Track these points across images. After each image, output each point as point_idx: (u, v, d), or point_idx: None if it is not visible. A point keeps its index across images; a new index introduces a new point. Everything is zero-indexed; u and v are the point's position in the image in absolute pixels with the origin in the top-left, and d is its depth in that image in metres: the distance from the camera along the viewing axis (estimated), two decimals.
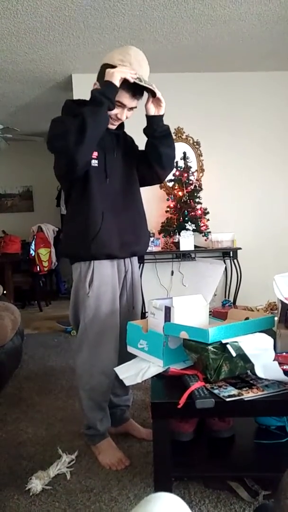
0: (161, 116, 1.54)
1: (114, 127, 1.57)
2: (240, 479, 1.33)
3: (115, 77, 1.39)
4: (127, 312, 1.65)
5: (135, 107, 1.55)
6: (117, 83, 1.39)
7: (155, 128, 1.54)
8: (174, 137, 3.88)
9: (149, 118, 1.55)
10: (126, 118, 1.56)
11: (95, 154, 1.50)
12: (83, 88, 3.72)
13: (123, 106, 1.50)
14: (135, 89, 1.47)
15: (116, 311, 1.57)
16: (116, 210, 1.54)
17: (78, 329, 1.60)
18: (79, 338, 1.58)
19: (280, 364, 1.11)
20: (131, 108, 1.54)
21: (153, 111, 1.53)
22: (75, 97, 3.76)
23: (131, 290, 1.67)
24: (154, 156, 1.59)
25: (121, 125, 1.63)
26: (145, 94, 1.53)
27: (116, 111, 1.49)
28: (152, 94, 1.49)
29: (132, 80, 1.40)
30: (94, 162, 1.50)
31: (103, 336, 1.54)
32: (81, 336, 1.57)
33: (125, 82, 1.42)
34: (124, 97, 1.47)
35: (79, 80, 3.77)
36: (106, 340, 1.54)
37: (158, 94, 1.48)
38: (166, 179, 3.80)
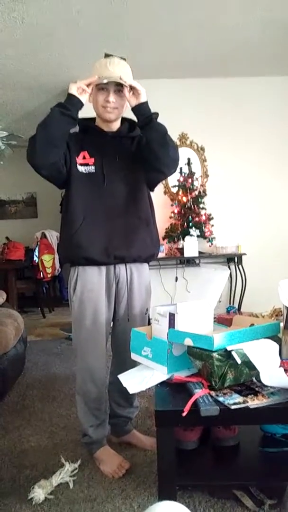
0: (143, 104, 1.50)
1: (113, 116, 1.54)
2: (245, 487, 1.30)
3: (71, 88, 1.46)
4: (124, 321, 1.60)
5: (121, 91, 1.49)
6: (74, 92, 1.45)
7: (139, 117, 1.52)
8: (178, 143, 3.92)
9: (133, 110, 1.52)
10: (115, 106, 1.51)
11: (91, 160, 1.54)
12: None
13: (105, 85, 1.47)
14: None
15: (100, 320, 1.54)
16: (109, 214, 1.53)
17: None
18: (73, 344, 1.62)
19: (286, 371, 1.09)
20: (119, 91, 1.49)
21: (134, 102, 1.51)
22: None
23: (125, 299, 1.60)
24: (145, 147, 1.54)
25: (133, 127, 1.63)
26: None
27: (101, 97, 1.50)
28: (130, 88, 1.48)
29: (91, 83, 1.46)
30: (89, 169, 1.53)
31: (88, 344, 1.54)
32: (74, 341, 1.60)
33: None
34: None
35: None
36: (91, 348, 1.55)
37: (130, 83, 1.46)
38: (171, 185, 3.83)
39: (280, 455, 1.23)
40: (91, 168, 1.54)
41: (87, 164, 1.55)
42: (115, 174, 1.56)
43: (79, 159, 1.55)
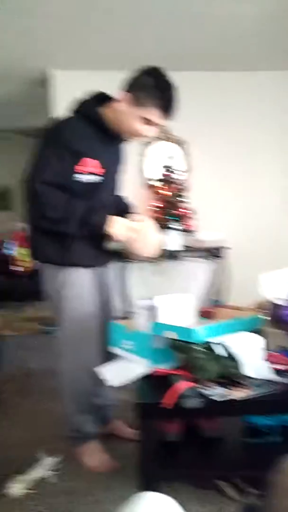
0: None
1: (132, 141, 1.55)
2: (229, 478, 1.32)
3: (116, 234, 1.42)
4: (105, 313, 1.63)
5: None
6: (117, 237, 1.44)
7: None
8: (161, 136, 3.90)
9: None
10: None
11: (102, 171, 1.47)
12: (63, 85, 3.67)
13: (151, 123, 1.43)
14: (170, 107, 1.43)
15: (94, 314, 1.54)
16: None
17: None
18: (61, 340, 1.56)
19: (270, 363, 1.10)
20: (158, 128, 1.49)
21: None
22: (52, 94, 3.70)
23: (107, 293, 1.66)
24: None
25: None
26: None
27: (141, 128, 1.43)
28: None
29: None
30: (96, 179, 1.47)
31: (84, 338, 1.52)
32: (63, 339, 1.55)
33: (158, 101, 1.39)
34: (154, 115, 1.41)
35: (58, 77, 3.69)
36: (87, 342, 1.52)
37: None
38: (154, 178, 3.81)
39: (263, 446, 1.25)
40: (99, 179, 1.48)
41: (95, 174, 1.46)
42: (112, 184, 1.59)
43: (88, 167, 1.43)
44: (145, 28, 3.09)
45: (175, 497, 1.29)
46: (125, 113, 1.43)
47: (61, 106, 3.61)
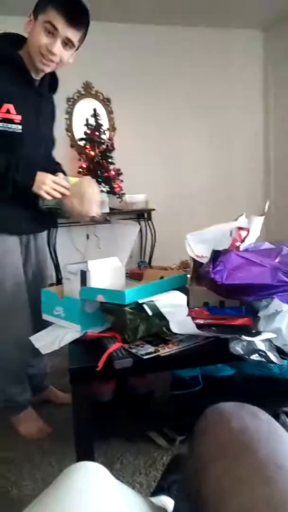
0: None
1: (47, 68, 1.33)
2: (159, 429, 1.40)
3: (40, 193, 1.34)
4: (35, 281, 1.59)
5: (73, 45, 1.30)
6: (39, 193, 1.34)
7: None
8: (83, 92, 3.72)
9: None
10: (60, 57, 1.30)
11: (18, 118, 1.31)
12: None
13: (55, 30, 1.24)
14: (72, 10, 1.23)
15: (21, 282, 1.49)
16: None
17: None
18: None
19: (193, 318, 1.15)
20: (68, 43, 1.29)
21: None
22: None
23: (35, 257, 1.59)
24: None
25: (55, 85, 1.48)
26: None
27: (45, 40, 1.25)
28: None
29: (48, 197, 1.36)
30: (13, 127, 1.32)
31: (11, 309, 1.47)
32: None
33: (51, 2, 1.21)
34: (54, 18, 1.22)
35: None
36: (15, 312, 1.47)
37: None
38: (77, 138, 3.66)
39: (188, 396, 1.33)
40: (16, 127, 1.32)
41: (11, 121, 1.31)
42: (37, 139, 1.43)
43: (1, 113, 1.28)
44: None
45: (109, 453, 1.36)
46: (30, 32, 1.29)
47: None
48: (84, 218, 1.45)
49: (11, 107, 1.30)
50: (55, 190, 1.35)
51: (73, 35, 1.29)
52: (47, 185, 1.33)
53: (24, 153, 1.38)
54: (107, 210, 3.28)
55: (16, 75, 1.32)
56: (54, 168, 1.58)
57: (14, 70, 1.31)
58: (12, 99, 1.30)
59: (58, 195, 1.36)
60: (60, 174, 1.48)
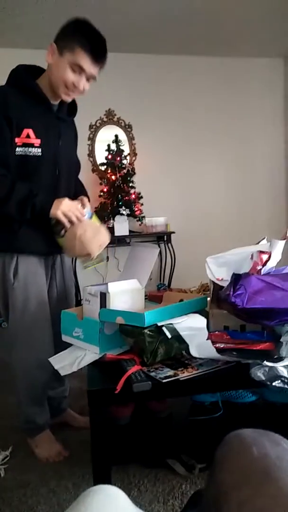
0: None
1: (69, 99, 1.42)
2: (177, 455, 1.37)
3: (57, 213, 1.35)
4: (60, 302, 1.60)
5: (95, 79, 1.40)
6: (57, 216, 1.35)
7: None
8: (105, 119, 3.84)
9: None
10: (83, 90, 1.40)
11: (37, 141, 1.37)
12: (5, 65, 3.48)
13: (81, 70, 1.34)
14: (98, 52, 1.34)
15: (45, 303, 1.51)
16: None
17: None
18: (10, 332, 1.50)
19: (213, 342, 1.14)
20: (90, 78, 1.38)
21: None
22: None
23: (61, 279, 1.62)
24: None
25: (74, 109, 1.53)
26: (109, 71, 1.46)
27: (72, 77, 1.34)
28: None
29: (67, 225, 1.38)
30: (34, 151, 1.37)
31: (34, 329, 1.48)
32: (13, 330, 1.49)
33: (84, 41, 1.31)
34: (82, 59, 1.32)
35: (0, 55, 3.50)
36: (39, 332, 1.48)
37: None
38: (99, 163, 3.76)
39: (208, 422, 1.31)
40: (37, 151, 1.37)
41: (31, 145, 1.36)
42: (58, 161, 1.46)
43: (21, 138, 1.34)
44: (78, 6, 2.99)
45: (127, 478, 1.33)
46: (54, 65, 1.35)
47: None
48: (83, 252, 1.40)
49: (30, 131, 1.35)
50: (71, 212, 1.37)
51: (96, 71, 1.39)
52: (67, 207, 1.36)
53: (45, 176, 1.42)
54: (118, 233, 3.34)
55: (35, 102, 1.38)
56: (80, 190, 1.64)
57: (33, 98, 1.38)
58: (32, 124, 1.36)
59: (74, 219, 1.37)
60: (85, 200, 1.53)
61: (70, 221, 1.37)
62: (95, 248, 1.38)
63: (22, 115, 1.34)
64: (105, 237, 1.45)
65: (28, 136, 1.35)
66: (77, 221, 1.37)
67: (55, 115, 1.45)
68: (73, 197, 1.50)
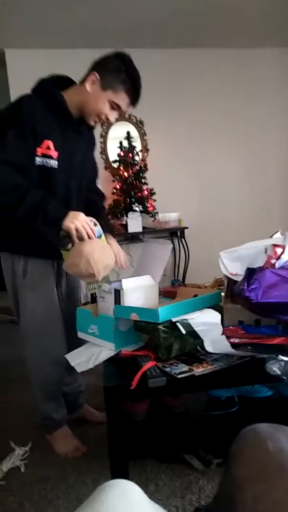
0: None
1: (93, 124, 1.48)
2: (194, 450, 1.37)
3: (70, 227, 1.29)
4: (68, 300, 1.63)
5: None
6: (69, 229, 1.29)
7: None
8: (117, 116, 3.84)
9: None
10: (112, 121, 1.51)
11: (55, 154, 1.39)
12: (18, 64, 3.52)
13: (118, 109, 1.43)
14: (138, 96, 1.43)
15: (55, 301, 1.52)
16: None
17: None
18: (22, 330, 1.53)
19: (228, 337, 1.14)
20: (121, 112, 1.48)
21: None
22: (10, 75, 3.54)
23: (68, 277, 1.63)
24: None
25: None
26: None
27: (108, 112, 1.41)
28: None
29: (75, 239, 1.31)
30: (51, 163, 1.39)
31: (46, 328, 1.50)
32: (25, 328, 1.51)
33: (129, 87, 1.39)
34: (123, 101, 1.41)
35: (13, 55, 3.53)
36: (50, 330, 1.50)
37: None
38: (111, 160, 3.77)
39: (224, 417, 1.30)
40: (54, 163, 1.40)
41: (50, 157, 1.38)
42: (71, 175, 1.49)
43: (41, 149, 1.36)
44: (88, 2, 2.99)
45: (144, 474, 1.34)
46: (93, 94, 1.39)
47: (18, 85, 3.46)
48: (89, 272, 1.30)
49: (50, 143, 1.38)
50: (84, 228, 1.31)
51: (129, 109, 1.48)
52: (80, 222, 1.30)
53: (59, 188, 1.44)
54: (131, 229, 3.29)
55: (58, 115, 1.40)
56: (94, 200, 1.67)
57: (56, 110, 1.40)
58: (53, 136, 1.38)
59: (85, 236, 1.31)
60: (99, 227, 1.48)
61: (80, 237, 1.31)
62: (101, 269, 1.31)
63: (45, 127, 1.36)
64: (112, 260, 1.39)
65: (48, 148, 1.37)
66: (87, 239, 1.31)
67: (76, 130, 1.47)
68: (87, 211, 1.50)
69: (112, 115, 1.44)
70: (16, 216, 1.30)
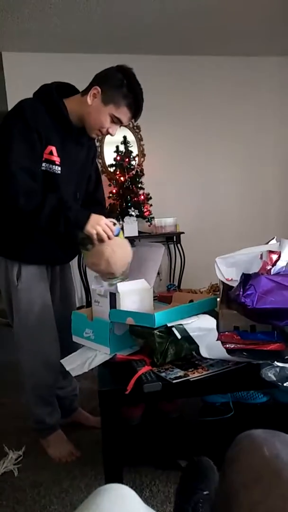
0: None
1: (95, 137, 1.51)
2: (188, 456, 1.36)
3: (92, 233, 1.32)
4: (61, 305, 1.63)
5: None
6: (89, 233, 1.32)
7: None
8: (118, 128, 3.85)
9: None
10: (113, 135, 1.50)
11: (58, 160, 1.40)
12: (15, 67, 3.53)
13: (119, 123, 1.43)
14: (139, 110, 1.43)
15: (49, 304, 1.52)
16: None
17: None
18: (16, 333, 1.52)
19: (223, 343, 1.14)
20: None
21: None
22: (7, 77, 3.55)
23: (62, 282, 1.64)
24: None
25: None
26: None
27: (109, 126, 1.42)
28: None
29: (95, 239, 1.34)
30: (54, 168, 1.40)
31: (40, 332, 1.49)
32: (19, 332, 1.51)
33: (131, 102, 1.39)
34: (124, 116, 1.41)
35: (11, 59, 3.54)
36: (44, 333, 1.50)
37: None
38: (108, 164, 3.78)
39: (219, 423, 1.30)
40: (57, 169, 1.40)
41: (53, 162, 1.39)
42: (71, 184, 1.49)
43: (45, 154, 1.37)
44: (86, 10, 3.00)
45: (138, 479, 1.33)
46: (94, 108, 1.39)
47: (15, 88, 3.47)
48: (109, 271, 1.36)
49: (53, 149, 1.38)
50: (105, 232, 1.34)
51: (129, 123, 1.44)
52: (102, 226, 1.33)
53: (62, 194, 1.43)
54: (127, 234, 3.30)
55: (58, 122, 1.40)
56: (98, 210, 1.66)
57: (57, 117, 1.39)
58: (54, 142, 1.39)
59: (107, 239, 1.34)
60: (118, 226, 1.49)
61: (100, 239, 1.34)
62: (120, 268, 1.37)
63: (48, 132, 1.37)
64: (129, 255, 1.42)
65: (51, 153, 1.38)
66: (107, 240, 1.35)
67: (75, 140, 1.47)
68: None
69: (113, 129, 1.44)
70: (38, 223, 1.31)
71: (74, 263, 1.74)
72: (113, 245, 1.36)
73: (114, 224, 1.40)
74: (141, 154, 3.95)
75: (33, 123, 1.32)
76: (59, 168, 1.40)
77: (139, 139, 3.94)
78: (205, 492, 0.91)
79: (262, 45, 3.86)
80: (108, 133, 1.45)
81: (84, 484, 1.37)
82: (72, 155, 1.47)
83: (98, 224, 1.32)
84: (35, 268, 1.49)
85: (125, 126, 3.86)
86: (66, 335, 1.40)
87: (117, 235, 1.40)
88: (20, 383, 1.58)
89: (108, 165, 3.77)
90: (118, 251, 1.36)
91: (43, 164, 1.37)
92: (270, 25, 3.46)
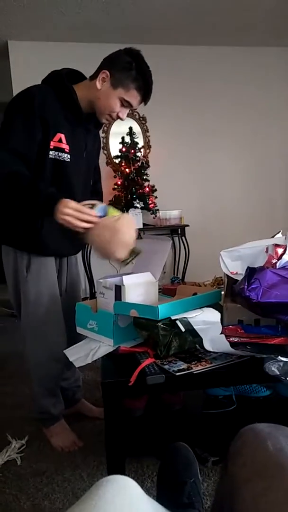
0: None
1: (106, 123, 1.49)
2: (191, 448, 1.37)
3: (60, 215, 1.21)
4: (68, 296, 1.63)
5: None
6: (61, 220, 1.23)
7: None
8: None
9: None
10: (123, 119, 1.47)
11: (67, 147, 1.38)
12: (21, 56, 3.50)
13: (129, 106, 1.41)
14: (149, 93, 1.41)
15: (57, 296, 1.53)
16: None
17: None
18: (23, 325, 1.53)
19: (227, 336, 1.13)
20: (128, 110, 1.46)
21: None
22: (13, 66, 3.52)
23: (69, 274, 1.64)
24: None
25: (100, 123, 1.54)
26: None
27: (119, 109, 1.40)
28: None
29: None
30: (64, 156, 1.38)
31: (47, 322, 1.50)
32: (26, 322, 1.51)
33: (140, 85, 1.36)
34: (134, 98, 1.39)
35: (16, 47, 3.51)
36: (52, 325, 1.50)
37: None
38: (113, 155, 3.76)
39: (221, 415, 1.31)
40: (66, 157, 1.39)
41: (62, 150, 1.38)
42: (80, 171, 1.48)
43: (54, 142, 1.36)
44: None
45: (140, 470, 1.34)
46: (104, 92, 1.38)
47: (20, 76, 3.44)
48: (109, 257, 1.28)
49: (62, 136, 1.37)
50: (78, 219, 1.23)
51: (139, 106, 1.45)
52: (67, 214, 1.21)
53: (70, 182, 1.43)
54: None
55: (68, 109, 1.39)
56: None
57: (67, 104, 1.38)
58: (64, 130, 1.38)
59: (81, 225, 1.23)
60: (101, 204, 1.40)
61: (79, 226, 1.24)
62: (118, 249, 1.25)
63: (57, 119, 1.36)
64: (128, 234, 1.28)
65: (60, 141, 1.37)
66: (88, 225, 1.24)
67: (85, 127, 1.46)
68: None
69: (123, 113, 1.43)
70: (12, 205, 1.30)
71: (78, 254, 1.73)
72: (98, 229, 1.23)
73: (92, 206, 1.26)
74: (147, 145, 3.92)
75: (39, 110, 1.30)
76: (69, 156, 1.40)
77: (145, 130, 3.92)
78: (191, 480, 0.92)
79: (270, 36, 3.81)
80: (118, 117, 1.43)
81: (86, 474, 1.38)
82: (81, 142, 1.46)
83: (63, 213, 1.20)
84: (44, 259, 1.48)
85: (131, 117, 3.84)
86: (71, 327, 1.41)
87: (103, 216, 1.26)
88: (26, 373, 1.59)
89: (114, 156, 3.76)
90: (106, 234, 1.22)
91: (51, 153, 1.36)
92: (280, 16, 3.40)
